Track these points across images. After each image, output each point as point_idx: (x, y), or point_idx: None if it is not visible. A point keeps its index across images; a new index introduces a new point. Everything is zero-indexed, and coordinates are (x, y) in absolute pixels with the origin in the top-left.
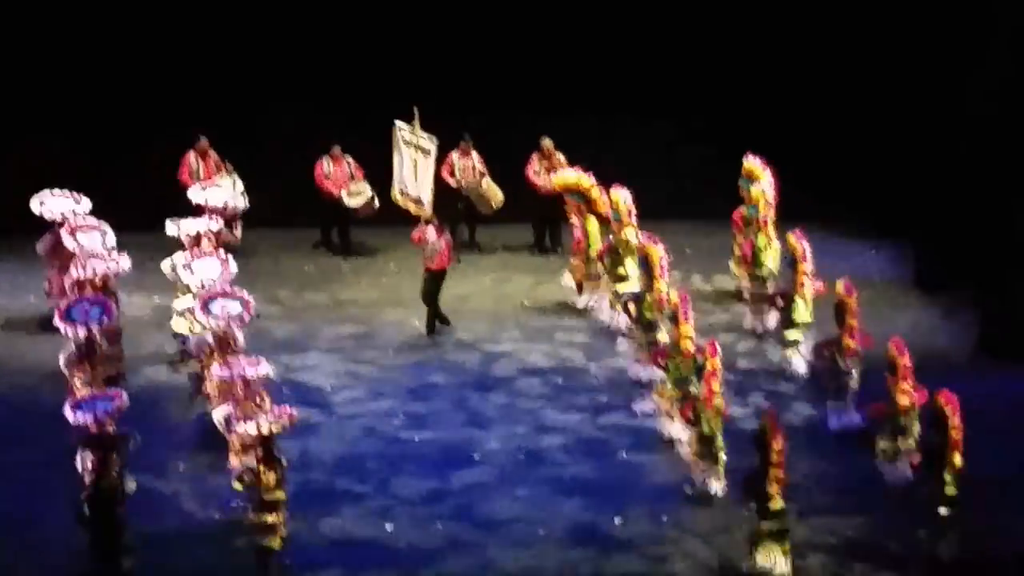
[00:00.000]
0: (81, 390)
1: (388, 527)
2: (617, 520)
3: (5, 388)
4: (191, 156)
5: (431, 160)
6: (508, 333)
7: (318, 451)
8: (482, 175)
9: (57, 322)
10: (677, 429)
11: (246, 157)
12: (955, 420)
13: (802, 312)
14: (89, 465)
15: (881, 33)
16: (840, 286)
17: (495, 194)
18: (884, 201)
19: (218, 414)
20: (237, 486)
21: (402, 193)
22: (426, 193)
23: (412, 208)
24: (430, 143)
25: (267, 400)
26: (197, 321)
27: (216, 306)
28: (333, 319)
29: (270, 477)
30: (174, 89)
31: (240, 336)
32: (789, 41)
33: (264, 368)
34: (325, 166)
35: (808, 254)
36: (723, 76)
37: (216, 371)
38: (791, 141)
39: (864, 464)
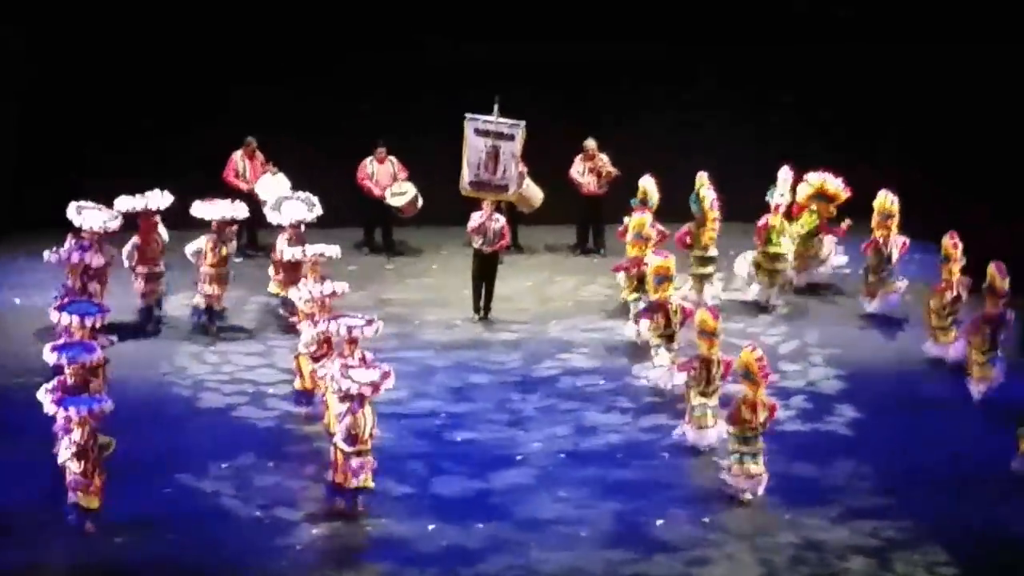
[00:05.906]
0: None
1: (429, 527)
2: (659, 522)
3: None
4: (237, 156)
5: (516, 144)
6: (551, 334)
7: None
8: (523, 175)
9: None
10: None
11: (290, 157)
12: None
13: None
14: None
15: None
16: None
17: (536, 194)
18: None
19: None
20: None
21: (474, 184)
22: (511, 177)
23: (490, 196)
24: (513, 128)
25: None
26: None
27: None
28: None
29: None
30: (219, 86)
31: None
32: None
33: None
34: (368, 166)
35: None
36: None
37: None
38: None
39: (906, 464)
